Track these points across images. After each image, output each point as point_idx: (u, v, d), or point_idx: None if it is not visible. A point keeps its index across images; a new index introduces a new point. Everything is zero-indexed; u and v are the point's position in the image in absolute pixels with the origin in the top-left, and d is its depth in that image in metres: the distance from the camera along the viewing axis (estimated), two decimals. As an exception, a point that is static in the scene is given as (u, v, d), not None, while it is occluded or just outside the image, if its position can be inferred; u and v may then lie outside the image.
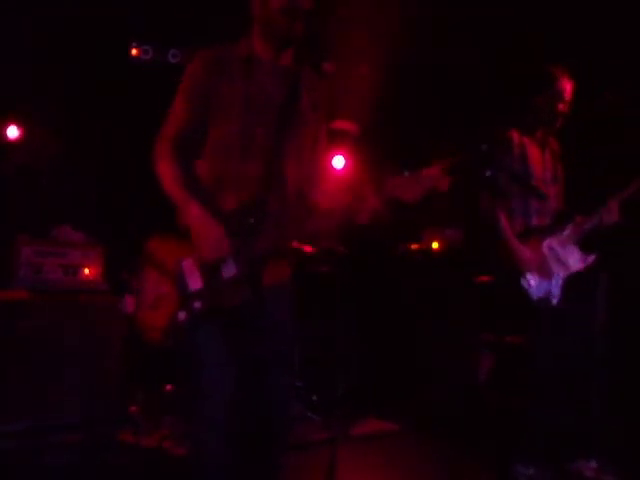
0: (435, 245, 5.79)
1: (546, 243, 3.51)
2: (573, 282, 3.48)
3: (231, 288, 2.08)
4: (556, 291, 3.44)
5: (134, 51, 4.77)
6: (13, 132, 4.54)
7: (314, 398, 4.59)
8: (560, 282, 3.46)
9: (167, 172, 2.17)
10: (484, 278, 4.82)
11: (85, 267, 3.91)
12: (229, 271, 2.08)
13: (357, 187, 2.16)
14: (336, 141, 5.47)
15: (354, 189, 2.18)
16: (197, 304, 2.07)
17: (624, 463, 3.43)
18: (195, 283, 2.10)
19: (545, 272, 3.45)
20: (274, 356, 2.22)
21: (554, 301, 3.43)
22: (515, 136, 3.60)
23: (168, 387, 4.21)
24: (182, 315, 2.07)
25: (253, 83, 2.20)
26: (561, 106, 3.54)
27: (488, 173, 3.48)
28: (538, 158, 3.62)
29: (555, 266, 3.47)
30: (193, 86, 2.21)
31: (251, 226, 2.11)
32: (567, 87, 3.54)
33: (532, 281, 3.42)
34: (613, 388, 3.48)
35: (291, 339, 2.33)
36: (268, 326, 2.20)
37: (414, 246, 5.91)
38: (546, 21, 4.50)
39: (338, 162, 5.59)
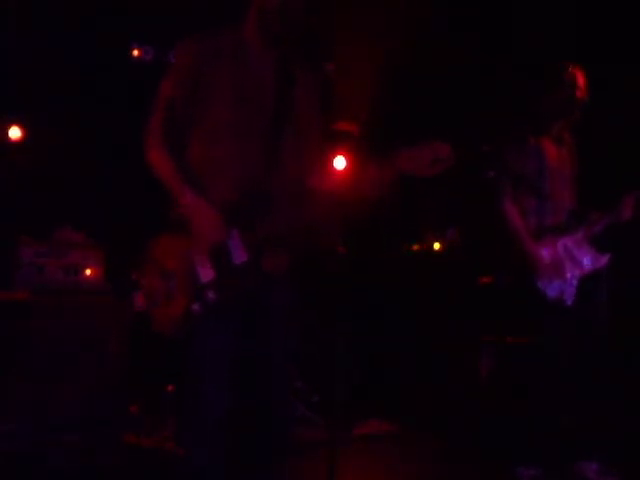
0: (436, 245, 5.79)
1: (561, 242, 3.48)
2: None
3: (243, 273, 2.08)
4: (571, 291, 3.43)
5: (135, 51, 4.77)
6: (15, 133, 4.55)
7: (315, 399, 4.59)
8: (575, 282, 3.44)
9: (159, 160, 2.16)
10: (485, 279, 4.80)
11: (86, 268, 3.91)
12: (240, 257, 2.08)
13: (356, 181, 2.17)
14: (337, 142, 5.47)
15: (354, 182, 2.19)
16: (211, 294, 2.07)
17: (625, 464, 3.43)
18: (207, 274, 2.09)
19: (560, 272, 3.43)
20: (274, 346, 2.22)
21: (568, 301, 3.41)
22: (529, 134, 3.55)
23: (170, 387, 4.21)
24: (196, 307, 2.07)
25: (243, 67, 2.17)
26: (579, 94, 3.50)
27: (491, 174, 3.47)
28: (554, 155, 3.56)
29: (570, 266, 3.45)
30: (180, 69, 2.19)
31: (254, 210, 2.09)
32: (579, 76, 3.51)
33: (547, 281, 3.41)
34: (614, 388, 3.48)
35: (290, 329, 2.30)
36: (269, 314, 2.20)
37: (415, 246, 5.91)
38: (548, 19, 4.50)
39: (339, 163, 5.60)
